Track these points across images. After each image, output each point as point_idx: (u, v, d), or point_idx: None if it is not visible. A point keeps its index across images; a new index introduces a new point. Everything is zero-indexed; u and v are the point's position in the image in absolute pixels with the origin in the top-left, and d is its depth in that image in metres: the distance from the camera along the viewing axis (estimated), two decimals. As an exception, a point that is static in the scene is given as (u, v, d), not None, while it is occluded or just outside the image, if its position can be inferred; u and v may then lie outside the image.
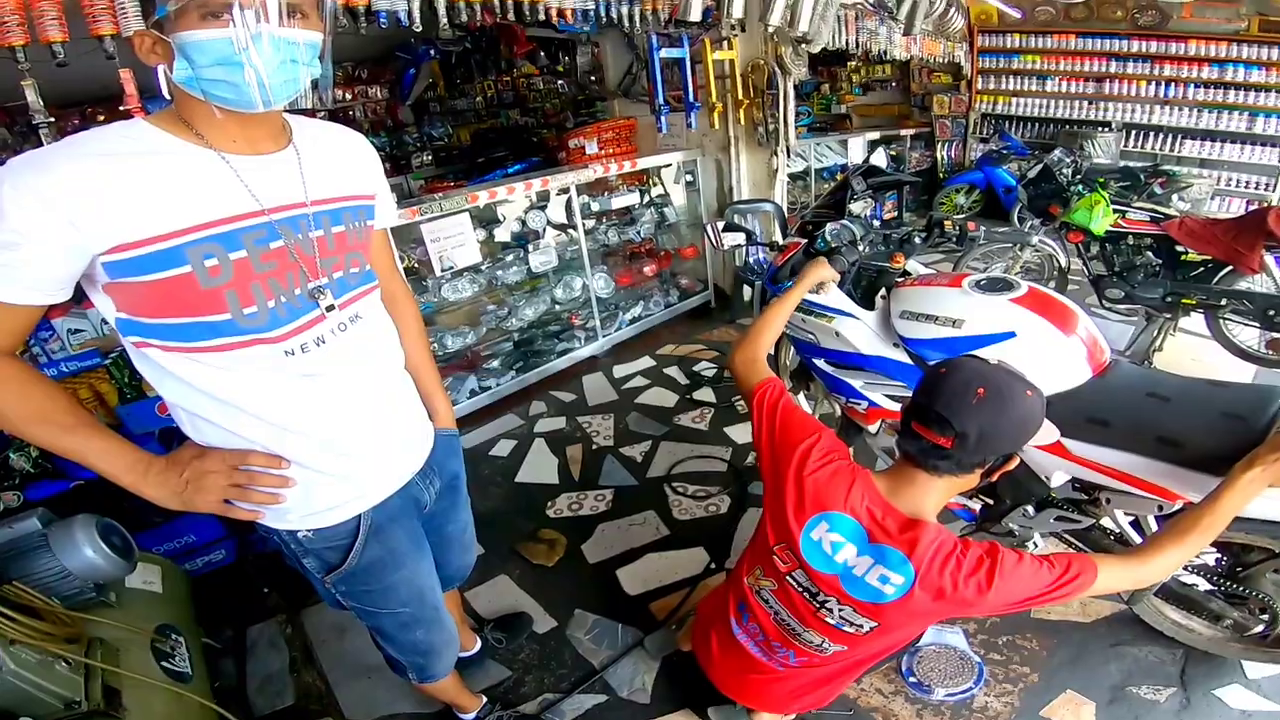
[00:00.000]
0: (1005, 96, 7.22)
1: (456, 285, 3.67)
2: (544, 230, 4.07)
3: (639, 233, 4.58)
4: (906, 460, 1.37)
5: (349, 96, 6.56)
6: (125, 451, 1.06)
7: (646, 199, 4.72)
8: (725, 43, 4.09)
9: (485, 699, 1.92)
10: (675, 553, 2.54)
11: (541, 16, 3.02)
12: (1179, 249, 3.49)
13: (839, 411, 2.40)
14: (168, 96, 1.01)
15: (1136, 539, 1.82)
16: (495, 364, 3.98)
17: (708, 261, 4.97)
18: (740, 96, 4.24)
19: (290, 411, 1.11)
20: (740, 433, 3.29)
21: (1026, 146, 6.45)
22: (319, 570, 1.28)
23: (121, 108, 2.12)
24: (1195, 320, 3.66)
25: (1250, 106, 6.01)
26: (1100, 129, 6.57)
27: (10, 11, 1.89)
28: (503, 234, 3.98)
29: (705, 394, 3.73)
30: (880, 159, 3.52)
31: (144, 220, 0.92)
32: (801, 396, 2.87)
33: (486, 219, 3.90)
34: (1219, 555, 1.81)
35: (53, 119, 2.11)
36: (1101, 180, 3.96)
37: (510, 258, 3.92)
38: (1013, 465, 1.37)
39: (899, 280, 2.12)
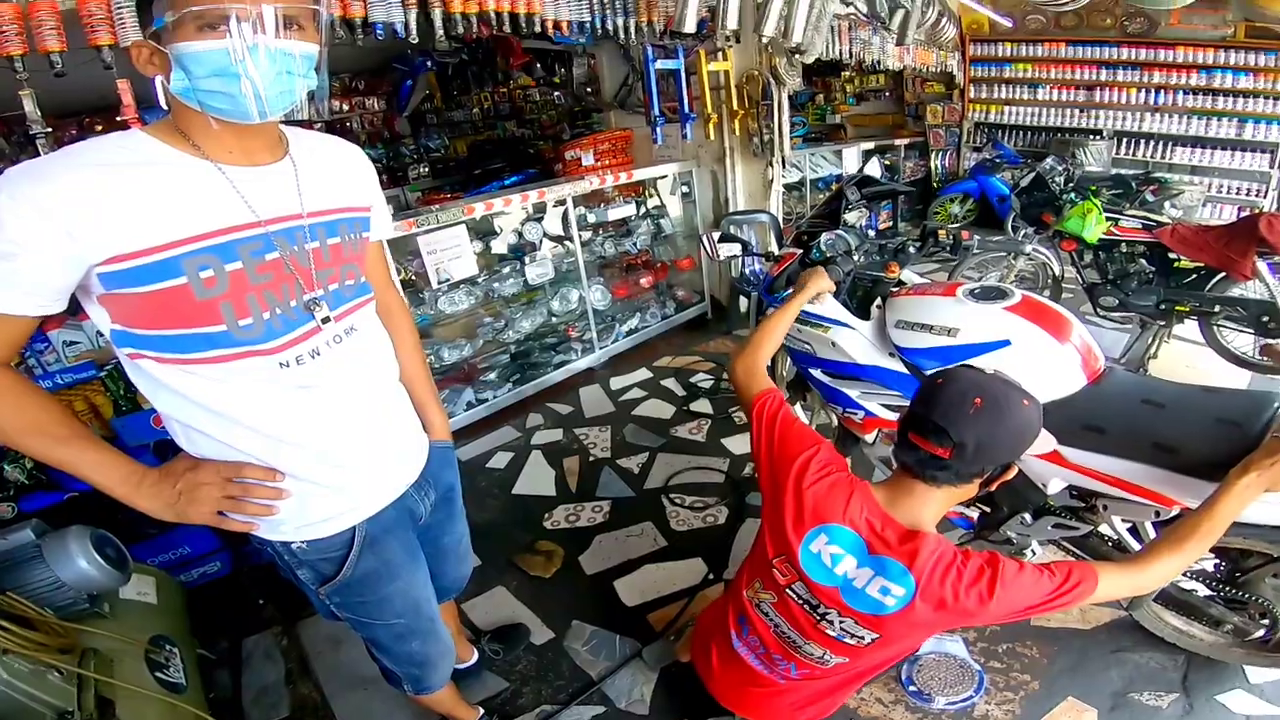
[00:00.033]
0: (998, 105, 7.27)
1: (453, 297, 3.67)
2: (540, 242, 4.08)
3: (635, 244, 4.58)
4: (904, 471, 1.37)
5: (346, 108, 6.58)
6: (118, 463, 1.06)
7: (642, 210, 4.73)
8: (720, 54, 4.11)
9: (482, 710, 1.91)
10: (673, 564, 2.53)
11: (537, 29, 3.03)
12: (1172, 256, 3.51)
13: (835, 422, 2.40)
14: (165, 107, 1.01)
15: (1134, 545, 1.82)
16: (492, 376, 3.97)
17: (704, 273, 4.98)
18: (735, 107, 4.26)
19: (285, 423, 1.11)
20: (737, 444, 3.29)
21: (1019, 155, 6.48)
22: (313, 582, 1.27)
23: (119, 118, 2.13)
24: (1189, 327, 3.68)
25: (1239, 113, 6.07)
26: (1092, 137, 6.63)
27: (9, 21, 1.90)
28: (499, 246, 4.00)
29: (702, 405, 3.73)
30: (874, 169, 3.53)
31: (140, 231, 0.93)
32: (798, 407, 2.87)
33: (483, 231, 3.91)
34: (1217, 560, 1.81)
35: (50, 129, 2.12)
36: (1094, 188, 3.98)
37: (507, 270, 3.92)
38: (1011, 475, 1.37)
39: (894, 290, 2.12)
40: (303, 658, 2.26)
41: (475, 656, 2.11)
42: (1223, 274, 3.36)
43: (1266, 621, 1.75)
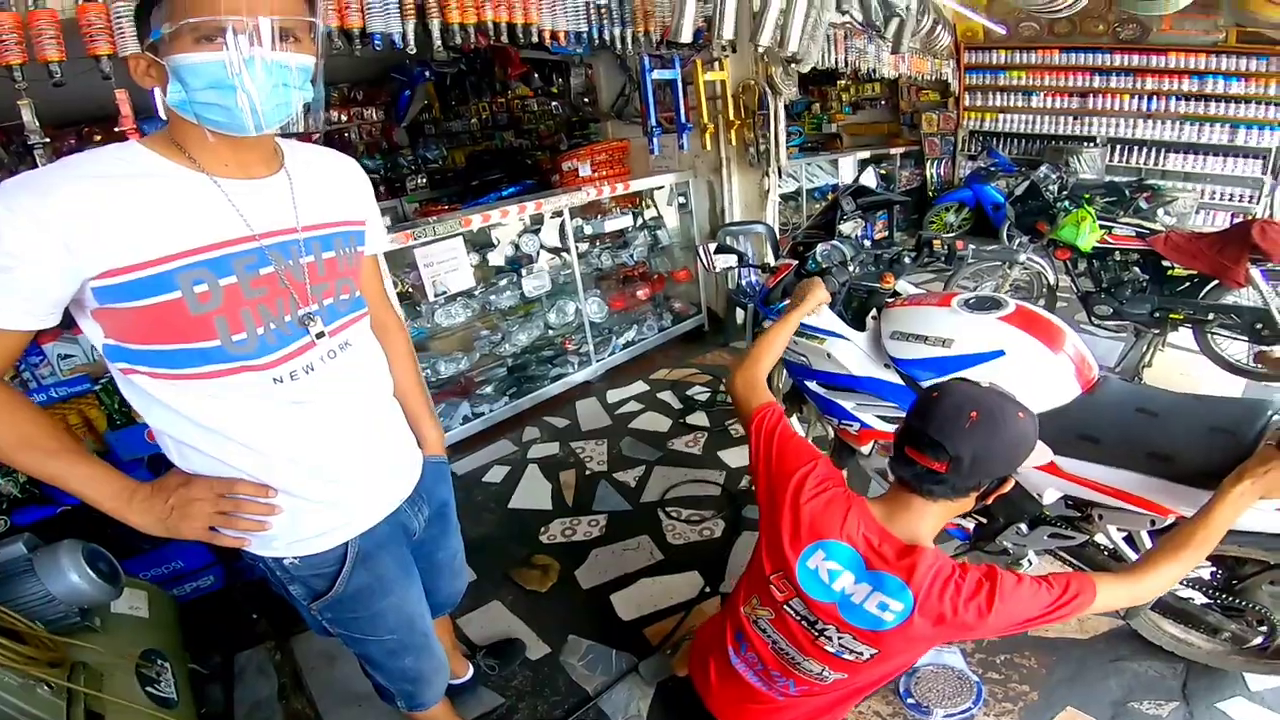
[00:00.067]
0: (992, 113, 7.32)
1: (450, 310, 3.67)
2: (537, 254, 4.08)
3: (632, 256, 4.59)
4: (901, 486, 1.37)
5: (344, 118, 6.59)
6: (110, 478, 1.05)
7: (639, 221, 4.73)
8: (716, 64, 4.13)
9: (478, 727, 1.90)
10: (669, 577, 2.52)
11: (535, 39, 3.05)
12: (1165, 264, 3.52)
13: (831, 433, 2.40)
14: (164, 117, 1.01)
15: (1131, 554, 1.82)
16: (488, 390, 3.96)
17: (700, 284, 4.97)
18: (731, 117, 4.28)
19: (278, 439, 1.10)
20: (734, 456, 3.29)
21: (1014, 163, 6.51)
22: (305, 597, 1.26)
23: (117, 129, 2.13)
24: (1184, 335, 3.69)
25: (1231, 119, 6.12)
26: (1085, 144, 6.67)
27: (8, 30, 1.91)
28: (496, 258, 3.99)
29: (699, 418, 3.72)
30: (870, 179, 3.55)
31: (136, 244, 0.92)
32: (794, 419, 2.86)
33: (480, 243, 3.91)
34: (1214, 569, 1.81)
35: (48, 139, 2.11)
36: (1087, 196, 4.00)
37: (504, 282, 3.92)
38: (1008, 488, 1.37)
39: (889, 300, 2.12)
40: (296, 673, 2.25)
41: (470, 672, 2.10)
42: (1216, 281, 3.37)
43: (1264, 628, 1.75)
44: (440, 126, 7.43)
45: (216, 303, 0.99)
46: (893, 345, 1.95)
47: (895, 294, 2.18)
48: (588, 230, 4.35)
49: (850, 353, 2.07)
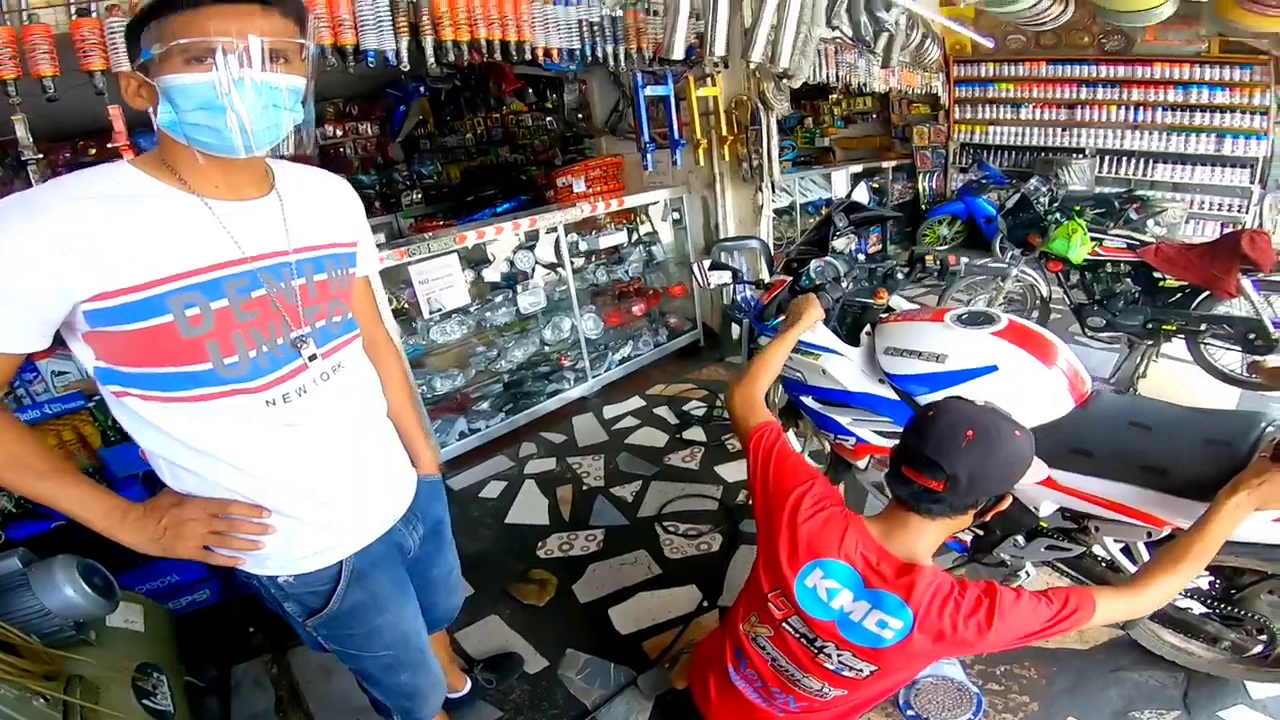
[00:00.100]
0: (982, 126, 7.38)
1: (445, 327, 3.67)
2: (533, 270, 4.07)
3: (627, 272, 4.59)
4: (899, 504, 1.38)
5: (339, 133, 6.61)
6: (101, 498, 1.05)
7: (634, 237, 4.74)
8: (709, 79, 4.16)
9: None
10: (667, 591, 2.51)
11: (529, 56, 3.07)
12: (1157, 275, 3.53)
13: (828, 449, 2.40)
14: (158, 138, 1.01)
15: (1128, 565, 1.82)
16: (485, 406, 3.95)
17: (696, 300, 4.97)
18: (724, 133, 4.29)
19: (271, 461, 1.10)
20: (730, 471, 3.28)
21: (1005, 175, 6.54)
22: (300, 614, 1.26)
23: (110, 144, 2.13)
24: (1177, 346, 3.69)
25: (1217, 128, 6.19)
26: (1075, 155, 6.73)
27: (2, 45, 1.91)
28: (492, 274, 3.99)
29: (695, 433, 3.72)
30: (862, 194, 3.54)
31: (128, 267, 0.92)
32: (791, 434, 2.86)
33: (475, 259, 3.91)
34: (1212, 579, 1.82)
35: (41, 154, 2.12)
36: (1078, 208, 4.01)
37: (499, 299, 3.92)
38: (1005, 505, 1.37)
39: (883, 316, 2.13)
40: (293, 686, 2.23)
41: (468, 686, 2.08)
42: (1208, 292, 3.39)
43: (1264, 637, 1.75)
44: (435, 142, 7.45)
45: (208, 326, 0.98)
46: (887, 361, 1.96)
47: (889, 309, 2.20)
48: (583, 246, 4.35)
49: (845, 368, 2.08)
